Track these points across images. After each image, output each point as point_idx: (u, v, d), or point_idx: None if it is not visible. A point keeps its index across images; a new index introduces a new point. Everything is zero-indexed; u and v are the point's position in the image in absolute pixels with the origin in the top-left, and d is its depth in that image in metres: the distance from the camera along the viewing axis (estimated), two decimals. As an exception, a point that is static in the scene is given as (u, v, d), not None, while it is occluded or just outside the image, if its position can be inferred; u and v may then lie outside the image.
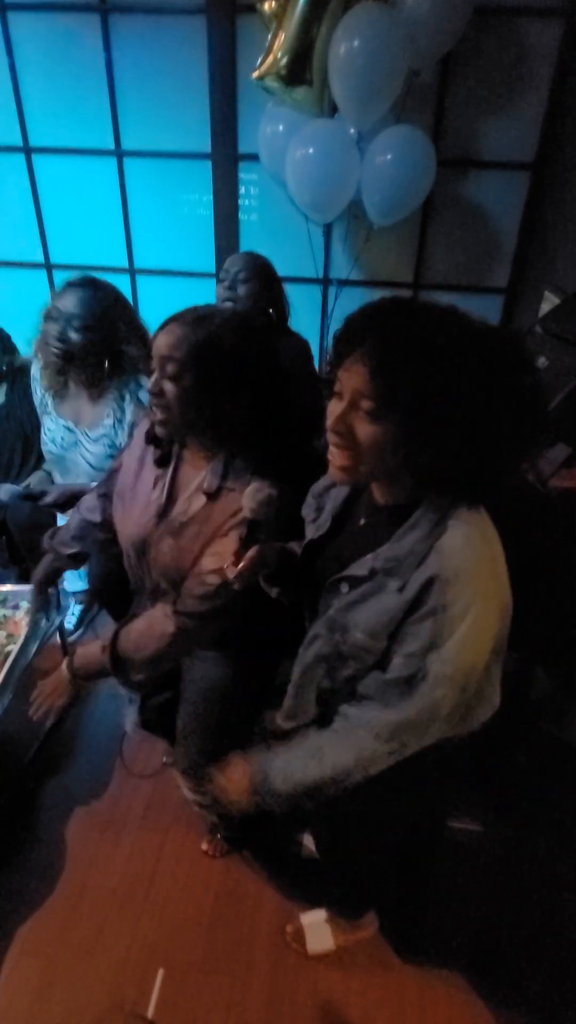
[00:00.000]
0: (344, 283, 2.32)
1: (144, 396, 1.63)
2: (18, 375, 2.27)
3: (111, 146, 2.32)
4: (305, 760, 0.86)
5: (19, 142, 2.36)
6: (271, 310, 1.73)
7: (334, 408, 0.74)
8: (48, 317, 1.52)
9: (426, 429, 0.70)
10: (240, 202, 2.33)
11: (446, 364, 0.68)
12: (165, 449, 1.10)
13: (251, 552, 0.82)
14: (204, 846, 1.64)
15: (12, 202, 2.48)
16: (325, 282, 2.38)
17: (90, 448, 1.66)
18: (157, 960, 1.43)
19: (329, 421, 0.75)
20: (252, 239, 2.38)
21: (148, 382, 1.00)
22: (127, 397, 1.69)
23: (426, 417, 0.69)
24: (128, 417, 1.65)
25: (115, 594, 2.07)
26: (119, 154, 2.33)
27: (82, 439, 1.68)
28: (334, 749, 0.84)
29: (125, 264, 2.50)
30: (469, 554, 0.74)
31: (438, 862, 1.56)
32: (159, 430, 1.03)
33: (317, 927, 1.42)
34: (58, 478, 1.89)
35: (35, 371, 1.72)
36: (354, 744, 0.82)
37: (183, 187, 2.35)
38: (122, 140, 2.31)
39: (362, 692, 0.84)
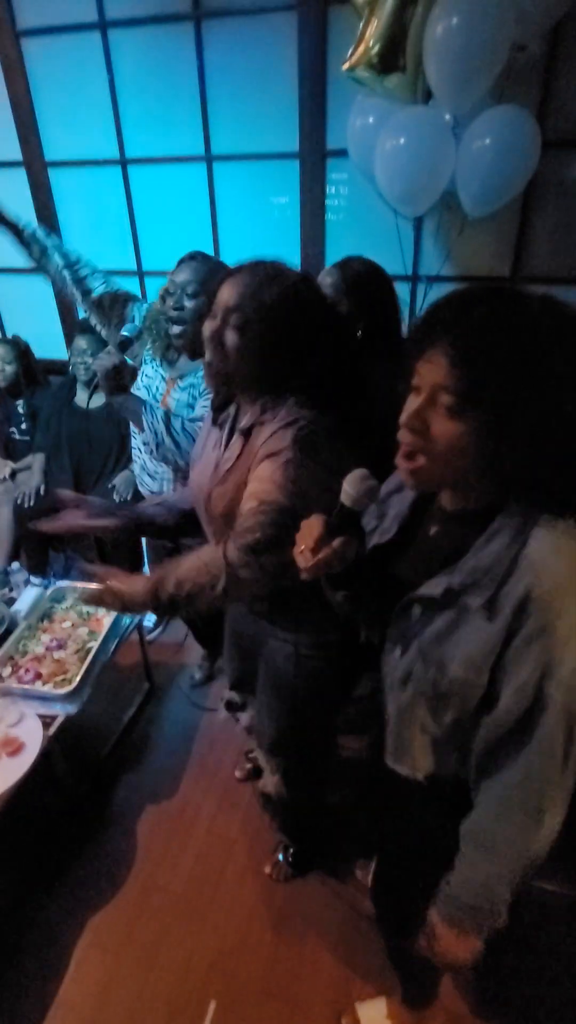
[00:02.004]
0: (434, 279, 2.20)
1: None
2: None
3: (201, 151, 2.34)
4: (485, 861, 0.75)
5: (116, 155, 2.45)
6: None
7: (411, 403, 0.69)
8: (165, 293, 1.58)
9: (513, 428, 0.63)
10: (327, 200, 2.27)
11: (538, 354, 0.61)
12: (222, 403, 1.10)
13: (336, 543, 0.72)
14: (267, 869, 1.61)
15: (109, 212, 2.58)
16: (414, 279, 2.27)
17: (175, 395, 1.67)
18: (216, 975, 1.42)
19: (403, 416, 0.69)
20: (338, 236, 2.32)
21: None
22: None
23: (513, 414, 0.62)
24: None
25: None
26: (208, 159, 2.35)
27: (172, 389, 1.69)
28: (505, 838, 0.74)
29: (212, 268, 2.53)
30: (564, 565, 0.66)
31: (524, 928, 1.42)
32: (207, 373, 1.03)
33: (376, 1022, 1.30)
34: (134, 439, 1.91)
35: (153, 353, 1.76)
36: (512, 825, 0.73)
37: (270, 187, 2.33)
38: (212, 144, 2.32)
39: (478, 750, 0.75)
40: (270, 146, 2.25)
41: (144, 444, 1.65)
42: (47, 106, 2.45)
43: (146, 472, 1.81)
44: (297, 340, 0.94)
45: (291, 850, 1.59)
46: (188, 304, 1.53)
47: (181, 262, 1.58)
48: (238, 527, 0.95)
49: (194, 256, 1.57)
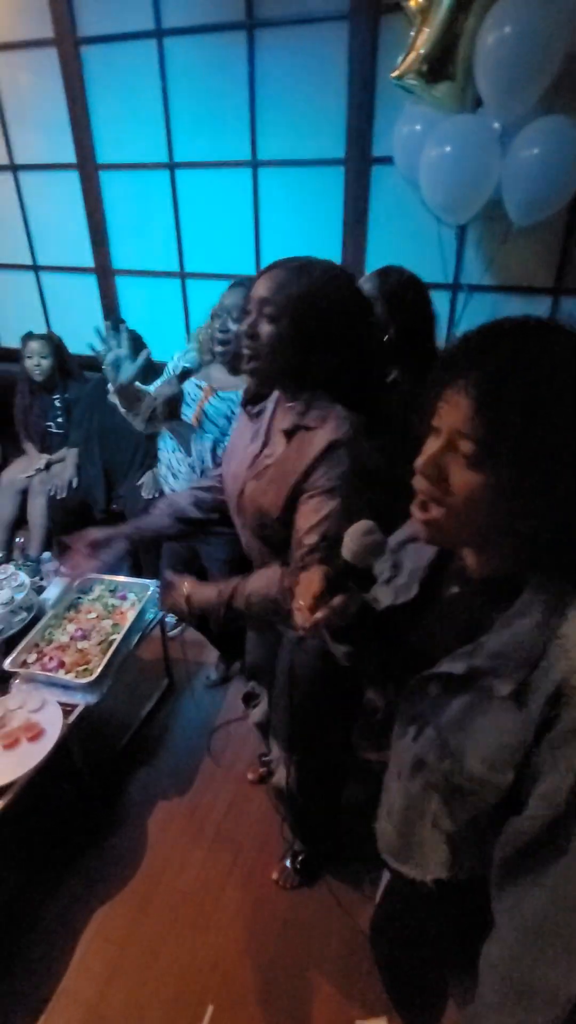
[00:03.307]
0: (475, 288, 2.17)
1: None
2: (149, 375, 2.40)
3: (247, 156, 2.37)
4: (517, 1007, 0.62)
5: (165, 158, 2.50)
6: None
7: (428, 447, 0.61)
8: (214, 315, 1.66)
9: (538, 486, 0.55)
10: (370, 207, 2.27)
11: (572, 403, 0.53)
12: (257, 396, 1.12)
13: (336, 602, 0.67)
14: (274, 875, 1.60)
15: (155, 215, 2.63)
16: (454, 287, 2.25)
17: (214, 402, 1.72)
18: (217, 977, 1.41)
19: (419, 461, 0.61)
20: (379, 243, 2.31)
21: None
22: None
23: (539, 470, 0.54)
24: None
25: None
26: (254, 164, 2.38)
27: (211, 395, 1.74)
28: (546, 984, 0.60)
29: (253, 271, 2.56)
30: None
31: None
32: (246, 371, 1.04)
33: None
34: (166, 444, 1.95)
35: (172, 363, 1.80)
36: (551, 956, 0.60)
37: (313, 193, 2.34)
38: (258, 149, 2.35)
39: (500, 857, 0.63)
40: (315, 152, 2.27)
41: (190, 465, 1.73)
42: (101, 111, 2.52)
43: (171, 472, 1.85)
44: (326, 332, 0.95)
45: (300, 857, 1.58)
46: (233, 327, 1.61)
47: (232, 287, 1.65)
48: (299, 557, 1.00)
49: (243, 282, 1.63)
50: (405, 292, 1.50)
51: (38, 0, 2.37)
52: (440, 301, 2.28)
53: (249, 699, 1.50)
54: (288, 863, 1.59)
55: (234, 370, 1.69)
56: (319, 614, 0.67)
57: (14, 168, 2.79)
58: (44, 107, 2.58)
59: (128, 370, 1.55)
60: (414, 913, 0.84)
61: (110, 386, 1.57)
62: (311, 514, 0.99)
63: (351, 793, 1.48)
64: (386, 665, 0.77)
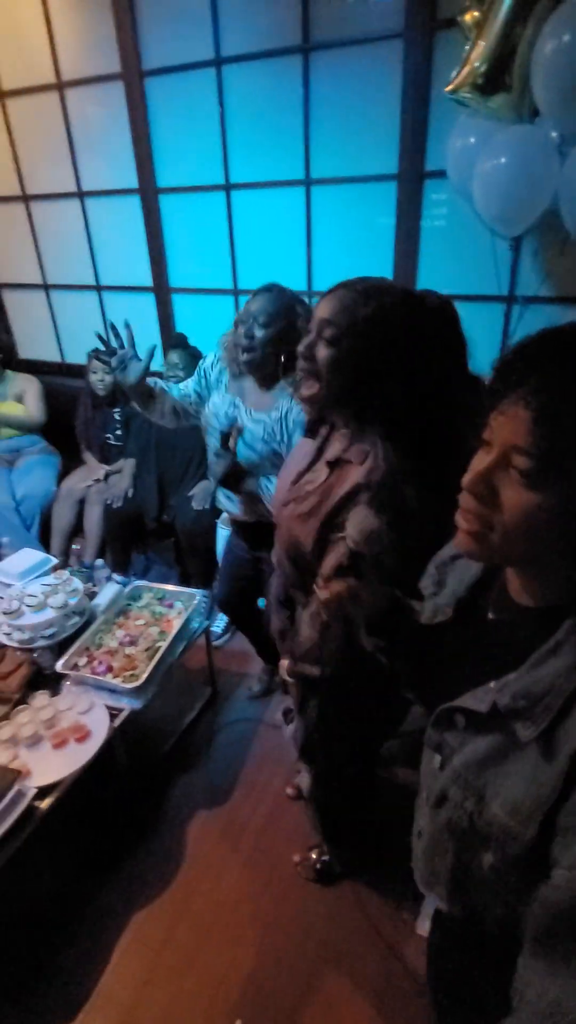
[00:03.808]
0: (531, 300, 2.11)
1: None
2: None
3: (301, 175, 2.41)
4: None
5: (221, 180, 2.58)
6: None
7: (478, 461, 0.57)
8: (238, 322, 1.63)
9: None
10: (422, 221, 2.26)
11: None
12: (316, 419, 1.09)
13: (339, 585, 0.69)
14: (296, 857, 1.62)
15: (211, 234, 2.72)
16: (509, 300, 2.20)
17: (249, 425, 1.69)
18: (250, 990, 1.40)
19: (467, 477, 0.57)
20: (432, 257, 2.29)
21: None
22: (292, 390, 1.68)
23: None
24: (286, 406, 1.64)
25: (244, 611, 2.13)
26: (307, 183, 2.41)
27: (243, 413, 1.71)
28: None
29: (304, 287, 2.59)
30: None
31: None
32: (304, 395, 1.00)
33: None
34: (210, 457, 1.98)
35: (208, 361, 1.81)
36: None
37: (365, 209, 2.36)
38: (311, 168, 2.39)
39: (531, 924, 0.55)
40: (368, 168, 2.28)
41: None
42: (161, 137, 2.64)
43: (223, 494, 1.86)
44: (387, 361, 0.90)
45: (323, 857, 1.59)
46: (258, 333, 1.57)
47: (257, 292, 1.62)
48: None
49: (270, 288, 1.61)
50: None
51: (107, 38, 2.51)
52: (494, 314, 2.24)
53: (288, 714, 1.50)
54: (313, 856, 1.61)
55: (263, 381, 1.66)
56: (327, 595, 0.67)
57: (81, 195, 2.95)
58: (109, 136, 2.73)
59: (135, 369, 1.59)
60: (464, 951, 0.79)
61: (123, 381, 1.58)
62: (333, 558, 0.95)
63: (388, 809, 1.45)
64: (418, 683, 0.75)
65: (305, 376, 0.99)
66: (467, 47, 1.76)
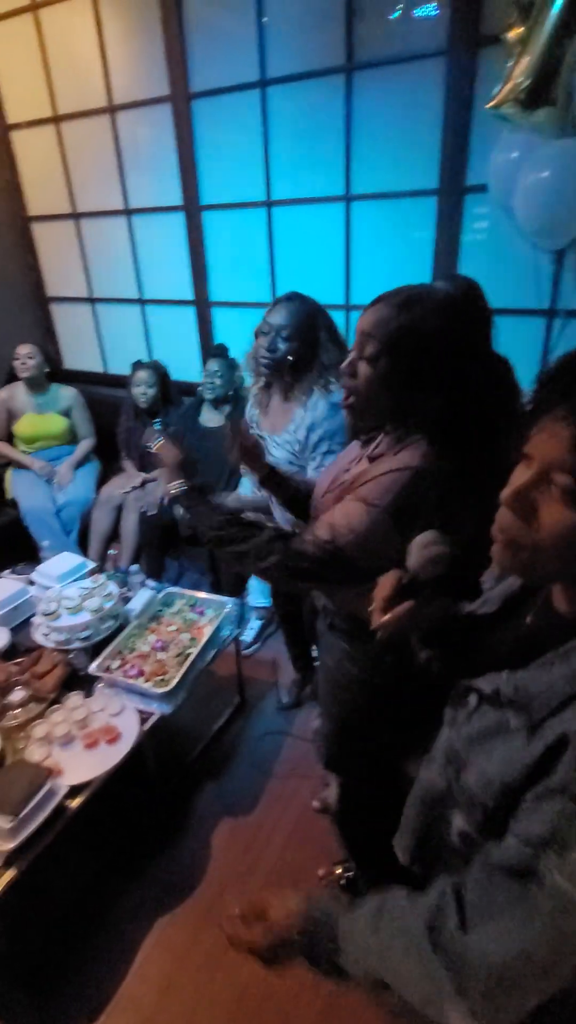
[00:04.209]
0: (572, 314, 2.08)
1: (331, 401, 1.63)
2: (241, 401, 2.52)
3: (341, 191, 2.44)
4: (391, 952, 0.61)
5: (263, 197, 2.64)
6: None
7: (518, 476, 0.56)
8: (259, 332, 1.63)
9: None
10: (462, 235, 2.26)
11: None
12: (359, 429, 1.09)
13: (401, 608, 0.70)
14: (320, 871, 1.61)
15: (251, 249, 2.77)
16: (550, 313, 2.16)
17: (274, 452, 1.69)
18: (270, 1009, 1.40)
19: (506, 491, 0.56)
20: (472, 270, 2.27)
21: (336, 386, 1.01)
22: (312, 401, 1.66)
23: None
24: (309, 419, 1.63)
25: (294, 614, 2.13)
26: (348, 198, 2.44)
27: (270, 444, 1.72)
28: (409, 966, 0.59)
29: (342, 301, 2.61)
30: None
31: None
32: (346, 406, 1.01)
33: None
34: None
35: (253, 392, 1.84)
36: (431, 976, 0.56)
37: (405, 224, 2.37)
38: (352, 184, 2.42)
39: (471, 883, 0.59)
40: (407, 184, 2.30)
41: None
42: (206, 156, 2.72)
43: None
44: (426, 372, 0.89)
45: (348, 873, 1.57)
46: (281, 347, 1.56)
47: (277, 302, 1.60)
48: (306, 533, 0.99)
49: (291, 297, 1.59)
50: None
51: (157, 63, 2.61)
52: (534, 328, 2.21)
53: (319, 732, 1.51)
54: (338, 871, 1.59)
55: (286, 395, 1.65)
56: (388, 616, 0.69)
57: (128, 212, 3.06)
58: (156, 156, 2.82)
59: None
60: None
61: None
62: (339, 512, 0.96)
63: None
64: (453, 670, 0.77)
65: (347, 391, 0.99)
66: (509, 63, 1.76)
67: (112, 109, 2.87)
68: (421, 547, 0.70)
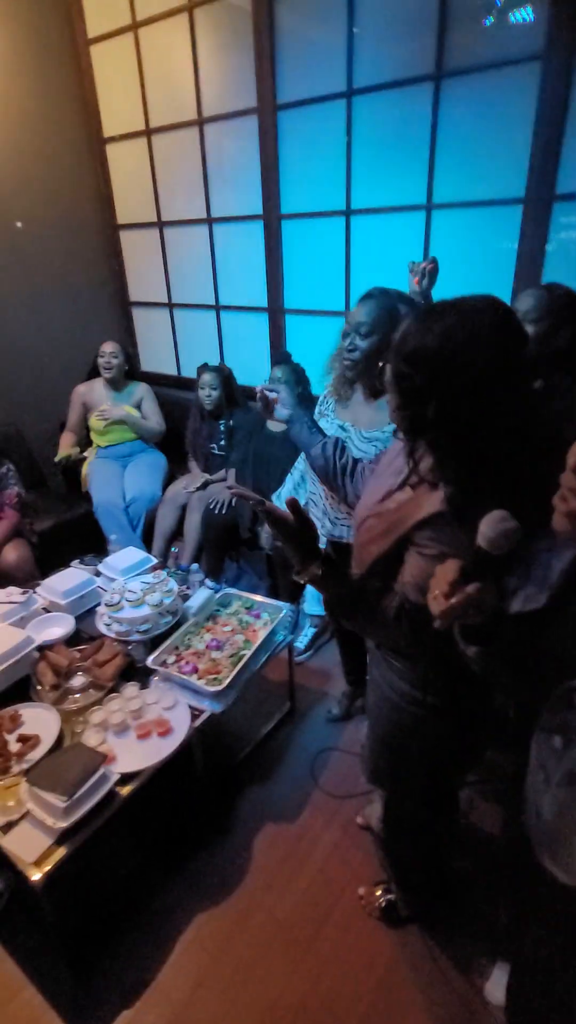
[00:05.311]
0: None
1: None
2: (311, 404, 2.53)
3: (422, 200, 2.41)
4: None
5: (342, 206, 2.65)
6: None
7: None
8: (344, 334, 1.62)
9: None
10: (548, 245, 2.17)
11: None
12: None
13: (471, 588, 0.67)
14: (361, 890, 1.58)
15: (328, 258, 2.78)
16: None
17: (359, 446, 1.66)
18: (302, 1019, 1.37)
19: (572, 456, 0.57)
20: (555, 280, 2.18)
21: None
22: None
23: None
24: None
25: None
26: (428, 207, 2.41)
27: (354, 437, 1.68)
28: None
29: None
30: None
31: None
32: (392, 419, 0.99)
33: None
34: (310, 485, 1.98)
35: (322, 396, 1.82)
36: None
37: (486, 234, 2.30)
38: (434, 192, 2.38)
39: None
40: (491, 192, 2.23)
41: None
42: (288, 165, 2.75)
43: (328, 517, 1.85)
44: (455, 390, 0.84)
45: (388, 896, 1.53)
46: (361, 344, 1.55)
47: (360, 300, 1.58)
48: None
49: (371, 294, 1.57)
50: (571, 308, 1.49)
51: (246, 77, 2.68)
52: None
53: None
54: (378, 892, 1.56)
55: (371, 394, 1.62)
56: (454, 599, 0.68)
57: (209, 221, 3.15)
58: (239, 166, 2.90)
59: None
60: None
61: None
62: (412, 568, 0.95)
63: (461, 863, 1.38)
64: (519, 671, 0.75)
65: (392, 406, 0.97)
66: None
67: (201, 122, 2.97)
68: (496, 522, 0.66)
